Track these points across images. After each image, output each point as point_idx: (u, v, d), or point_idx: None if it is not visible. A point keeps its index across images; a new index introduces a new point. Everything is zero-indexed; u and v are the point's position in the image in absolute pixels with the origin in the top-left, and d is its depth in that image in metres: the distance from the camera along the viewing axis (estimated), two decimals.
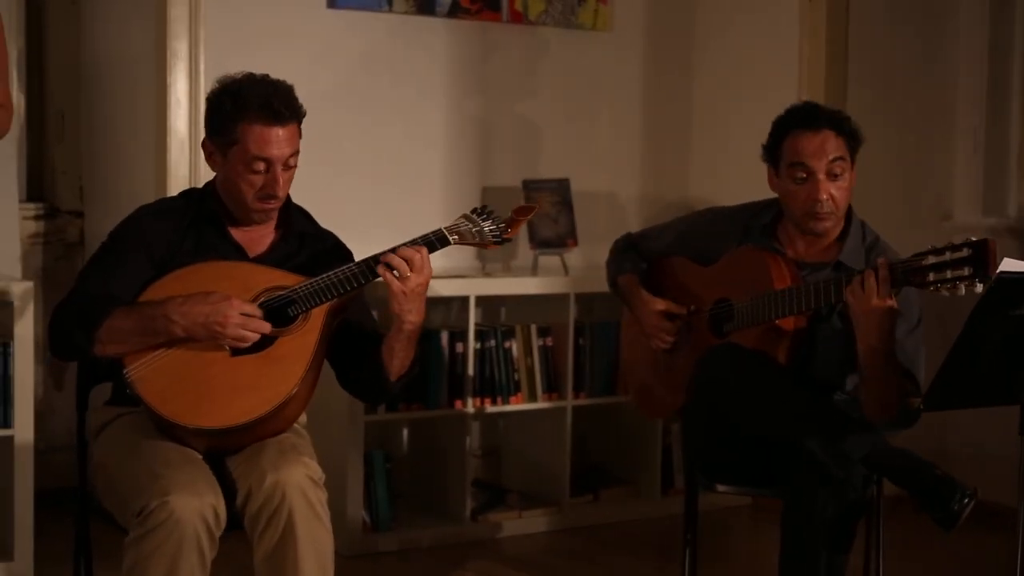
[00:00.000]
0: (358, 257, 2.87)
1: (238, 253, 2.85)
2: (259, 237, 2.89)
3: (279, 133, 2.79)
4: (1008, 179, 4.68)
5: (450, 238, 2.79)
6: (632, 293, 3.37)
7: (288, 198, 2.90)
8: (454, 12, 4.52)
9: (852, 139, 3.06)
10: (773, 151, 3.10)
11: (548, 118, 4.75)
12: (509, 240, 2.89)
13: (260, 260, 2.86)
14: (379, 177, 4.38)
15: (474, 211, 2.86)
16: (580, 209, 4.57)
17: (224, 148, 2.79)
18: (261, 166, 2.77)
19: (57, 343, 2.75)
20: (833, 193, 3.02)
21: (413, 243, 2.76)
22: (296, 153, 2.83)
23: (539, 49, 4.71)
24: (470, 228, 2.82)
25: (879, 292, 2.73)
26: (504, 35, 4.64)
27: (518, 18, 4.64)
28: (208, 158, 2.86)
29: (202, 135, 2.88)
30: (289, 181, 2.84)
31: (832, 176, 3.02)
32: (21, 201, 4.35)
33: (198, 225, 2.85)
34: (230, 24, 4.13)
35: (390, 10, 4.41)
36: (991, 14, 4.61)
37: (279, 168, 2.79)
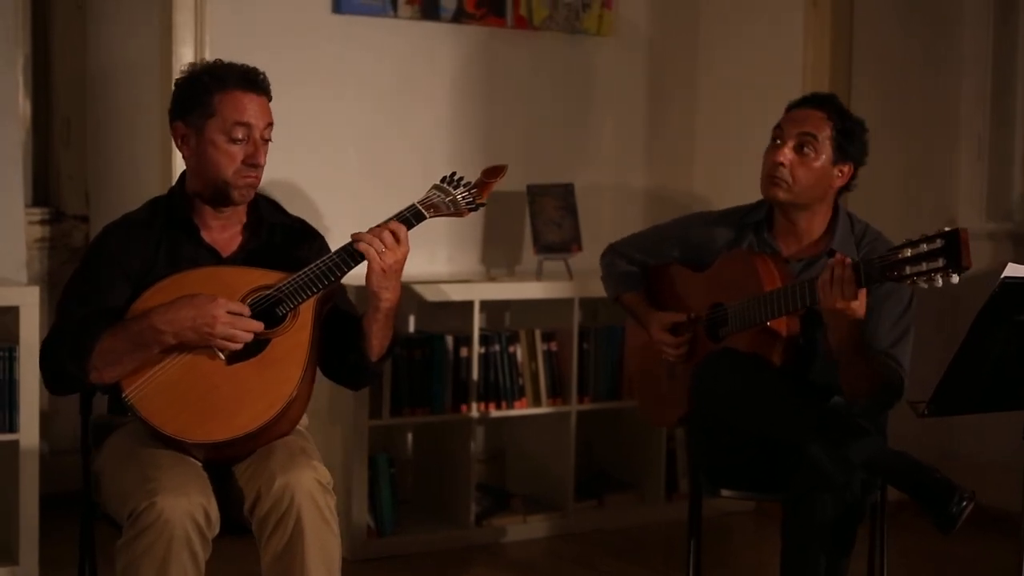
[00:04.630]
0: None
1: (212, 255, 2.83)
2: (232, 236, 2.87)
3: (256, 100, 2.79)
4: (1012, 185, 4.69)
5: (425, 213, 2.77)
6: (640, 311, 3.39)
7: (256, 192, 2.88)
8: (459, 17, 4.53)
9: (841, 134, 3.08)
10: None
11: (552, 123, 4.76)
12: (484, 204, 2.86)
13: (234, 258, 2.84)
14: (383, 181, 4.38)
15: (443, 180, 2.84)
16: (584, 214, 4.58)
17: (201, 123, 2.76)
18: (241, 132, 2.75)
19: (52, 379, 2.72)
20: (793, 163, 3.06)
21: (388, 221, 2.75)
22: (271, 126, 2.82)
23: (543, 54, 4.71)
24: (443, 199, 2.80)
25: (844, 293, 2.73)
26: (508, 40, 4.65)
27: (522, 23, 4.65)
28: (181, 143, 2.82)
29: None
30: (265, 155, 2.82)
31: (799, 149, 3.06)
32: (27, 206, 4.36)
33: (170, 234, 2.83)
34: (235, 30, 4.14)
35: (395, 15, 4.42)
36: (995, 20, 4.62)
37: (258, 137, 2.78)
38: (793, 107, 3.16)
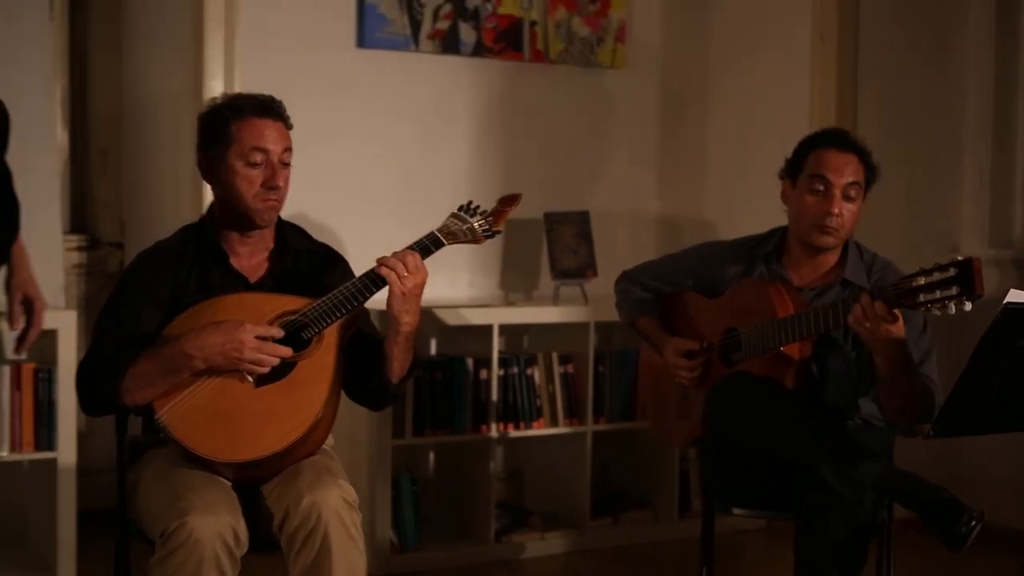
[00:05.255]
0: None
1: (241, 281, 2.84)
2: (259, 263, 2.88)
3: (273, 126, 2.81)
4: (1013, 212, 4.68)
5: (444, 240, 2.79)
6: (654, 336, 3.39)
7: (280, 218, 2.91)
8: (478, 51, 4.55)
9: (870, 172, 3.12)
10: (795, 165, 3.15)
11: (568, 153, 4.77)
12: (500, 232, 2.88)
13: (262, 284, 2.85)
14: (405, 210, 4.40)
15: (461, 208, 2.86)
16: (599, 240, 4.59)
17: (222, 152, 2.79)
18: (259, 157, 2.78)
19: (87, 401, 2.75)
20: (844, 212, 3.06)
21: (408, 248, 2.77)
22: (289, 150, 2.84)
23: (560, 87, 4.73)
24: (461, 227, 2.82)
25: (885, 320, 2.73)
26: (526, 73, 4.67)
27: (539, 57, 4.67)
28: (205, 173, 2.85)
29: None
30: (287, 181, 2.84)
31: (847, 197, 3.06)
32: (65, 233, 4.38)
33: (200, 261, 2.85)
34: (264, 64, 4.16)
35: (417, 50, 4.44)
36: (996, 56, 4.62)
37: (276, 162, 2.80)
38: (828, 149, 3.10)
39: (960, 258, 2.57)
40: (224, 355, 2.65)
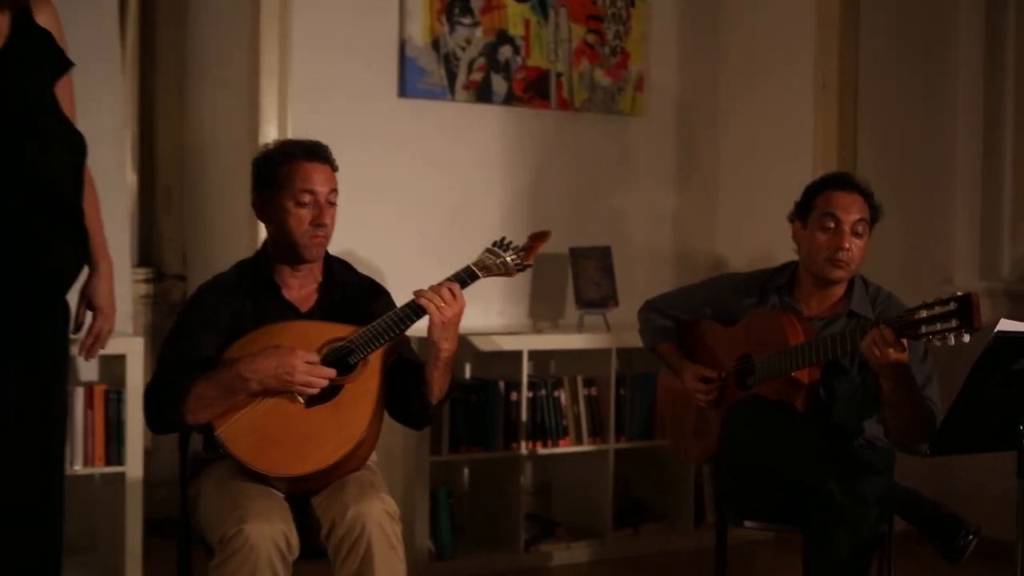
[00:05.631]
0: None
1: (292, 311, 2.85)
2: (309, 294, 2.89)
3: (320, 169, 2.82)
4: (1002, 248, 4.64)
5: (479, 273, 2.79)
6: (674, 361, 3.37)
7: (327, 253, 2.91)
8: (509, 100, 4.56)
9: (874, 211, 3.11)
10: (804, 207, 3.14)
11: (592, 193, 4.76)
12: (531, 266, 2.87)
13: (312, 313, 2.85)
14: (442, 244, 4.40)
15: (495, 244, 2.85)
16: (620, 273, 4.57)
17: (274, 193, 2.81)
18: (307, 198, 2.78)
19: (153, 421, 2.76)
20: (852, 247, 3.04)
21: (446, 280, 2.76)
22: (335, 191, 2.85)
23: (583, 132, 4.73)
24: (494, 261, 2.81)
25: (895, 349, 2.71)
26: (553, 120, 4.67)
27: (565, 105, 4.67)
28: (259, 212, 2.87)
29: None
30: (333, 218, 2.84)
31: (855, 233, 3.05)
32: (133, 266, 4.40)
33: (255, 292, 2.85)
34: (314, 111, 4.18)
35: (453, 99, 4.45)
36: (984, 101, 4.60)
37: (323, 201, 2.80)
38: (836, 190, 3.10)
39: (960, 293, 2.56)
40: (277, 378, 2.65)
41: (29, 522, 2.44)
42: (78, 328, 2.65)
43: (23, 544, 2.42)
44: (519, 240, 2.89)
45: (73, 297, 2.64)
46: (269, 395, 2.68)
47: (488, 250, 2.84)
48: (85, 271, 2.66)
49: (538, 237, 2.90)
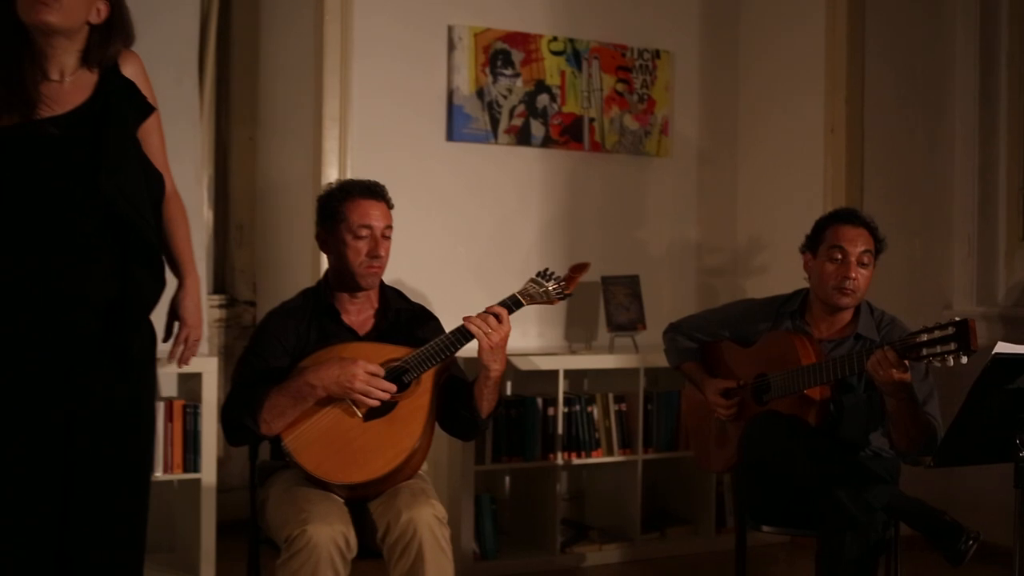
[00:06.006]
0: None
1: (351, 334, 2.87)
2: (366, 319, 2.91)
3: (377, 206, 2.84)
4: (997, 276, 4.59)
5: (523, 301, 2.80)
6: (697, 378, 3.37)
7: (382, 282, 2.92)
8: (546, 143, 4.58)
9: (878, 243, 3.10)
10: (814, 239, 3.14)
11: (621, 227, 4.77)
12: (571, 295, 2.87)
13: (369, 336, 2.87)
14: (485, 275, 4.42)
15: (538, 274, 2.86)
16: (647, 299, 4.57)
17: (335, 228, 2.83)
18: (365, 232, 2.81)
19: (231, 433, 2.78)
20: (858, 276, 3.03)
21: (492, 307, 2.77)
22: (390, 227, 2.87)
23: (614, 172, 4.74)
24: (538, 290, 2.82)
25: (898, 369, 2.70)
26: (586, 161, 4.69)
27: (597, 147, 4.69)
28: (322, 245, 2.89)
29: None
30: (388, 251, 2.86)
31: (860, 263, 3.04)
32: (209, 293, 4.45)
33: (317, 317, 2.87)
34: (371, 154, 4.21)
35: (495, 142, 4.48)
36: (980, 141, 4.57)
37: (379, 235, 2.83)
38: (843, 225, 3.10)
39: (958, 319, 2.55)
40: (339, 384, 2.67)
41: (120, 524, 2.46)
42: (167, 338, 2.67)
43: (115, 545, 2.44)
44: (559, 270, 2.90)
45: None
46: (332, 410, 2.70)
47: (532, 280, 2.85)
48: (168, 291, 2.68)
49: (578, 268, 2.91)
